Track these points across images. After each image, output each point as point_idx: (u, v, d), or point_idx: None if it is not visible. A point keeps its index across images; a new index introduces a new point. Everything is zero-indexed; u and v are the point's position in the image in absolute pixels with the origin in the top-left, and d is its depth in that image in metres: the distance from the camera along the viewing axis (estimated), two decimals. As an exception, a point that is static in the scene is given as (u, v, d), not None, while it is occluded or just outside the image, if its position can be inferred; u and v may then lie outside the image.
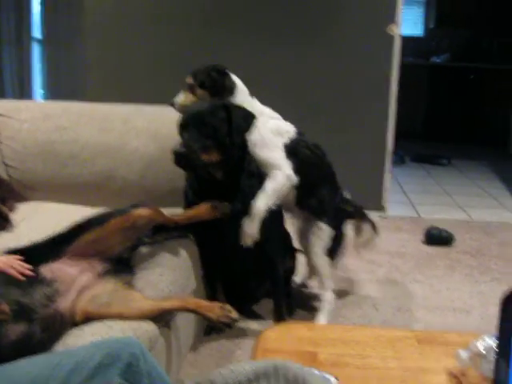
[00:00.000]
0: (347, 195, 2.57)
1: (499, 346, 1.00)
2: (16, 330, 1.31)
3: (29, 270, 1.50)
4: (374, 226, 2.64)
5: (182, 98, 2.30)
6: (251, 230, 2.14)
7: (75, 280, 1.57)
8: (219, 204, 2.08)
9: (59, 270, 1.55)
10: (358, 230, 2.65)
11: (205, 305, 1.70)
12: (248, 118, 2.15)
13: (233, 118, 2.08)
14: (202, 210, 2.07)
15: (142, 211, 1.79)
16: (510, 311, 0.95)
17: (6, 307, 1.24)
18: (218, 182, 2.12)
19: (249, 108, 2.22)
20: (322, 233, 2.41)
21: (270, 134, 2.25)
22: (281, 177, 2.21)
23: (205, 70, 2.29)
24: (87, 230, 1.66)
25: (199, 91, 2.27)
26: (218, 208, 2.08)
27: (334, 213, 2.45)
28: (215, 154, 2.04)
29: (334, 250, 2.49)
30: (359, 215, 2.62)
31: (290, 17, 3.99)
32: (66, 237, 1.66)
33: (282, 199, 2.24)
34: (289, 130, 2.35)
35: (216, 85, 2.26)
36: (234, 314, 1.65)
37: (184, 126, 2.06)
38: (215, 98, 2.24)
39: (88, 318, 1.51)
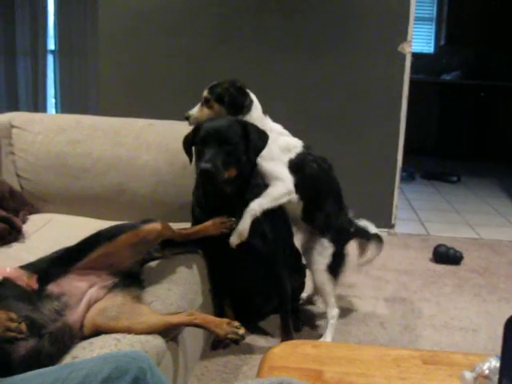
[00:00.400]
0: (351, 215, 2.59)
1: (502, 366, 1.00)
2: (26, 345, 1.33)
3: (35, 284, 1.52)
4: (378, 244, 2.65)
5: (197, 111, 2.30)
6: (242, 227, 2.15)
7: (84, 293, 1.58)
8: (227, 219, 2.11)
9: (68, 283, 1.56)
10: (362, 250, 2.67)
11: (213, 320, 1.71)
12: (263, 136, 2.17)
13: (251, 137, 2.11)
14: (210, 224, 2.10)
15: (152, 226, 1.81)
16: None
17: (24, 327, 1.26)
18: (225, 197, 2.14)
19: (260, 125, 2.25)
20: (325, 250, 2.42)
21: (279, 150, 2.28)
22: (282, 187, 2.24)
23: (224, 85, 2.28)
24: (97, 245, 1.68)
25: (216, 106, 2.27)
26: (226, 223, 2.11)
27: (338, 231, 2.47)
28: (233, 171, 2.06)
29: (335, 268, 2.49)
30: (363, 236, 2.64)
31: (303, 34, 4.02)
32: (75, 252, 1.68)
33: (289, 213, 2.28)
34: (296, 144, 2.37)
35: (235, 102, 2.26)
36: (242, 331, 1.67)
37: (205, 143, 2.06)
38: (231, 114, 2.25)
39: (96, 331, 1.53)
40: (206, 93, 2.29)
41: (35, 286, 1.51)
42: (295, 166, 2.31)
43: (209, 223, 2.10)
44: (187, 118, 2.32)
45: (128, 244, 1.73)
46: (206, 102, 2.28)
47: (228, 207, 2.15)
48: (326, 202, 2.44)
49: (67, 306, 1.50)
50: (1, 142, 2.66)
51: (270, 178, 2.26)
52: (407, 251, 3.91)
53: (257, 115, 2.30)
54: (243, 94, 2.30)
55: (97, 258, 1.66)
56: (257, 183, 2.21)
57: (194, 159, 2.17)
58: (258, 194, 2.20)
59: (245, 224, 2.15)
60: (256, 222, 2.16)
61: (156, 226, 1.82)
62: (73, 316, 1.50)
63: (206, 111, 2.28)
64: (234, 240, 2.16)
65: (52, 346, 1.39)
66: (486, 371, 1.26)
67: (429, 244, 3.97)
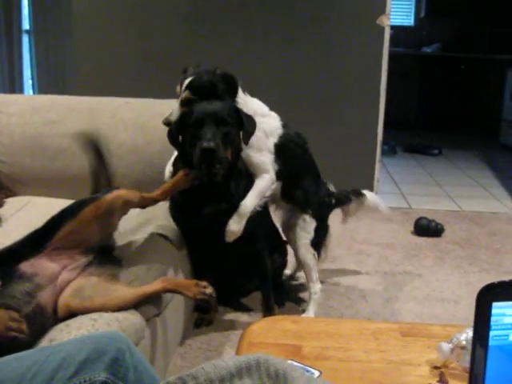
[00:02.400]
0: (331, 187, 2.59)
1: (475, 336, 0.98)
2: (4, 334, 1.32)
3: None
4: (358, 198, 2.67)
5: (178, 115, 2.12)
6: (237, 228, 2.14)
7: (57, 274, 1.56)
8: (191, 171, 2.02)
9: (40, 264, 1.54)
10: (346, 212, 2.70)
11: (183, 284, 1.71)
12: (252, 122, 2.13)
13: (244, 123, 2.07)
14: (177, 179, 2.01)
15: (115, 194, 1.75)
16: (487, 299, 0.94)
17: (24, 327, 1.27)
18: (210, 182, 2.07)
19: (244, 105, 2.18)
20: (307, 225, 2.42)
21: (264, 136, 2.24)
22: (268, 180, 2.23)
23: (209, 77, 2.11)
24: (62, 223, 1.63)
25: None
26: (191, 174, 2.01)
27: (319, 205, 2.47)
28: (229, 153, 2.02)
29: (318, 243, 2.50)
30: (344, 201, 2.65)
31: (282, 9, 3.99)
32: (43, 232, 1.64)
33: (267, 197, 2.26)
34: (277, 125, 2.33)
35: (230, 91, 2.14)
36: (209, 290, 1.66)
37: (201, 123, 1.98)
38: None
39: (71, 313, 1.52)
40: (186, 94, 2.09)
41: None
42: (279, 149, 2.28)
43: (176, 178, 2.01)
44: (168, 125, 2.13)
45: (93, 217, 1.68)
46: (189, 103, 2.09)
47: (211, 192, 2.12)
48: (305, 179, 2.43)
49: (39, 286, 1.48)
50: (-25, 125, 2.62)
51: (257, 169, 2.23)
52: (389, 224, 3.92)
53: (240, 95, 2.21)
54: (233, 80, 2.17)
55: (65, 236, 1.62)
56: (239, 169, 2.19)
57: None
58: (240, 182, 2.18)
59: (240, 226, 2.14)
60: (235, 205, 2.15)
61: (118, 193, 1.76)
62: (44, 297, 1.48)
63: None
64: (230, 239, 2.16)
65: (27, 328, 1.37)
66: (463, 342, 1.27)
67: (410, 217, 3.99)
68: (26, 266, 1.51)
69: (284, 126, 2.35)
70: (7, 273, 1.48)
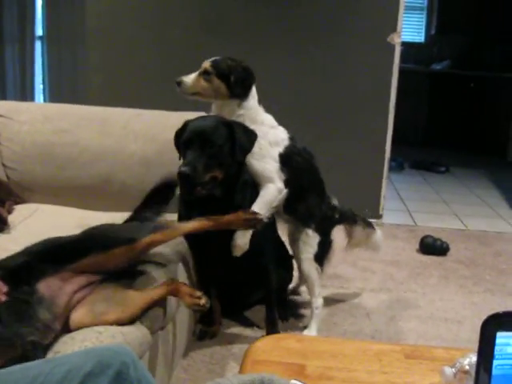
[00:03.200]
0: (335, 201, 2.59)
1: (480, 361, 0.99)
2: None
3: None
4: (366, 226, 2.69)
5: (192, 80, 2.22)
6: (243, 242, 2.15)
7: (71, 299, 1.55)
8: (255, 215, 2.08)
9: (57, 288, 1.53)
10: (349, 234, 2.69)
11: (182, 290, 1.72)
12: (250, 136, 2.14)
13: (237, 139, 2.07)
14: (233, 219, 2.04)
15: (151, 240, 1.78)
16: (491, 328, 0.95)
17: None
18: (212, 198, 2.09)
19: (253, 115, 2.24)
20: (310, 239, 2.42)
21: (268, 145, 2.25)
22: (273, 189, 2.23)
23: (228, 61, 2.23)
24: (89, 252, 1.63)
25: (216, 81, 2.21)
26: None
27: (321, 220, 2.47)
28: (217, 173, 2.03)
29: (321, 257, 2.50)
30: (349, 220, 2.65)
31: (291, 25, 4.01)
32: (66, 252, 1.63)
33: (273, 210, 2.27)
34: (283, 137, 2.34)
35: (243, 82, 2.21)
36: (203, 301, 1.68)
37: (187, 144, 2.03)
38: (228, 95, 2.21)
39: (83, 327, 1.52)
40: (207, 65, 2.22)
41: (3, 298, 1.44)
42: (284, 159, 2.29)
43: (232, 217, 2.03)
44: (179, 84, 2.23)
45: (122, 256, 1.69)
46: (206, 75, 2.21)
47: (216, 206, 2.10)
48: (309, 193, 2.43)
49: (55, 317, 1.47)
50: (-14, 132, 2.64)
51: (261, 178, 2.23)
52: (394, 242, 3.92)
53: (253, 104, 2.27)
54: (251, 75, 2.26)
55: (88, 265, 1.63)
56: (244, 180, 2.19)
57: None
58: (245, 193, 2.18)
59: (246, 239, 2.15)
60: None
61: (155, 238, 1.79)
62: (58, 325, 1.48)
63: (202, 83, 2.22)
64: (238, 253, 2.17)
65: (42, 355, 1.38)
66: (466, 366, 1.27)
67: (416, 235, 3.99)
68: (43, 288, 1.50)
69: (291, 138, 2.36)
70: (27, 292, 1.46)
